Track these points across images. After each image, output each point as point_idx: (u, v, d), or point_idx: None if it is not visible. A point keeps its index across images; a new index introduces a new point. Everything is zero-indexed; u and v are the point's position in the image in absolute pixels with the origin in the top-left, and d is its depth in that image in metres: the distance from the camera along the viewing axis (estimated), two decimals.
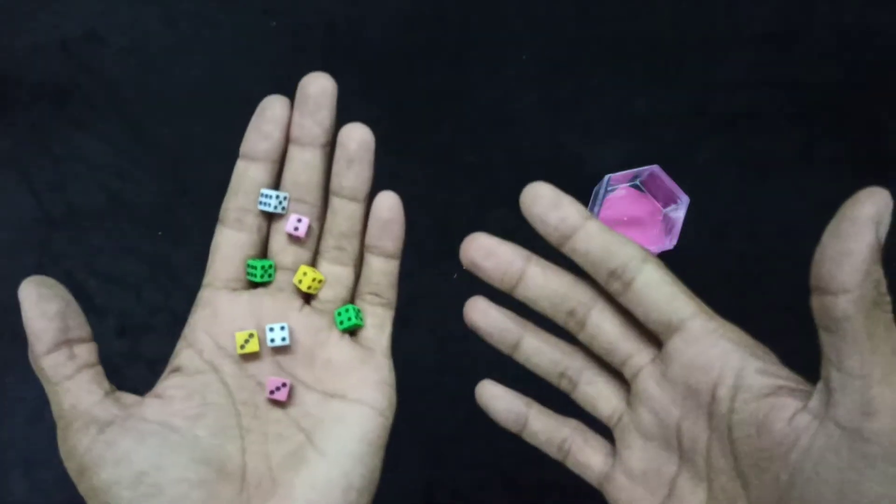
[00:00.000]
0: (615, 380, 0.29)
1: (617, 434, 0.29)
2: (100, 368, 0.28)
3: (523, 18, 0.63)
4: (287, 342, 0.29)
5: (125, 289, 0.56)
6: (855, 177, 0.60)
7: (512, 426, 0.30)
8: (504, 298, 0.29)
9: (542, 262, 0.28)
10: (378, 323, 0.31)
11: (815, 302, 0.23)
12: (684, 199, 0.54)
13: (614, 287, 0.27)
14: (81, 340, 0.27)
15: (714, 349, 0.25)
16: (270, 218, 0.30)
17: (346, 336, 0.30)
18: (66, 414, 0.27)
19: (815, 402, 0.23)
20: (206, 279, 0.30)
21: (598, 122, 0.61)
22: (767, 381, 0.24)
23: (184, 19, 0.62)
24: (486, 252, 0.28)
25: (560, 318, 0.28)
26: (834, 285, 0.22)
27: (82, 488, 0.26)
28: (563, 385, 0.30)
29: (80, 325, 0.27)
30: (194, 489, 0.26)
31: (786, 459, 0.23)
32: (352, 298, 0.31)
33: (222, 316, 0.29)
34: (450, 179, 0.59)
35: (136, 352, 0.55)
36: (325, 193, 0.30)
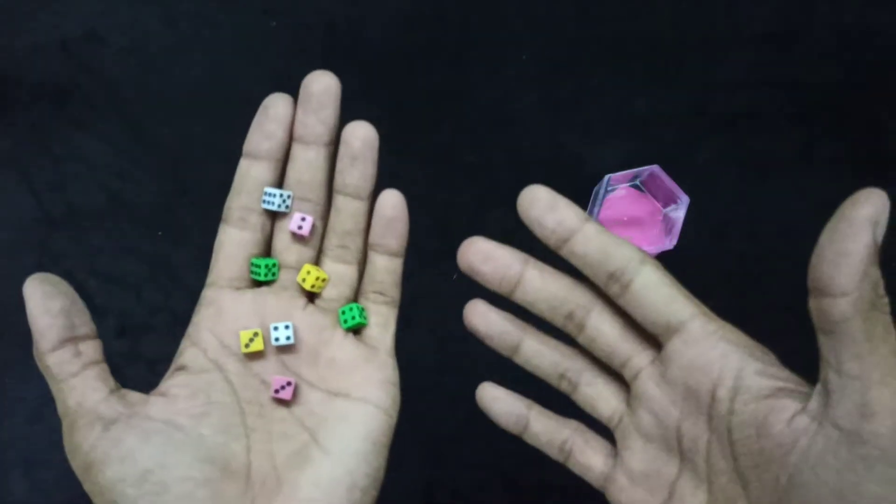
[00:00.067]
0: (615, 381, 0.29)
1: (617, 435, 0.29)
2: (105, 366, 0.28)
3: (523, 18, 0.63)
4: (291, 341, 0.29)
5: (125, 289, 0.56)
6: (855, 177, 0.60)
7: (513, 428, 0.30)
8: (503, 301, 0.29)
9: (540, 265, 0.28)
10: (382, 321, 0.31)
11: (813, 304, 0.23)
12: (684, 199, 0.54)
13: (613, 289, 0.26)
14: (86, 338, 0.27)
15: (713, 351, 0.25)
16: (274, 217, 0.30)
17: (350, 335, 0.30)
18: (71, 411, 0.26)
19: (813, 403, 0.23)
20: (210, 278, 0.30)
21: (598, 122, 0.61)
22: (767, 382, 0.24)
23: (184, 19, 0.62)
24: (483, 256, 0.28)
25: (559, 321, 0.28)
26: (831, 287, 0.22)
27: (87, 486, 0.26)
28: (564, 387, 0.30)
29: (85, 322, 0.27)
30: (199, 488, 0.26)
31: (785, 461, 0.23)
32: (355, 297, 0.31)
33: (226, 315, 0.29)
34: (450, 179, 0.59)
35: (136, 352, 0.55)
36: (329, 192, 0.30)
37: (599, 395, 0.29)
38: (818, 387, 0.23)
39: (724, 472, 0.25)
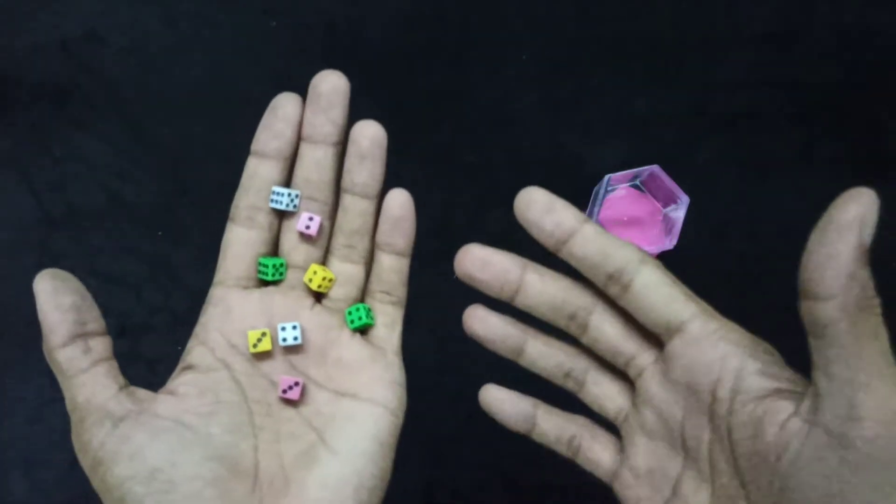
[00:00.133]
0: (620, 379, 0.29)
1: (623, 432, 0.29)
2: (114, 362, 0.27)
3: (523, 18, 0.63)
4: (299, 341, 0.29)
5: (125, 289, 0.56)
6: (855, 177, 0.60)
7: (521, 428, 0.30)
8: (501, 303, 0.29)
9: (539, 268, 0.28)
10: (389, 321, 0.31)
11: (803, 307, 0.22)
12: (684, 199, 0.54)
13: (613, 290, 0.26)
14: (96, 334, 0.27)
15: (714, 351, 0.25)
16: (281, 216, 0.30)
17: (357, 335, 0.30)
18: (79, 408, 0.26)
19: (805, 406, 0.23)
20: (217, 277, 0.30)
21: (598, 122, 0.61)
22: (765, 383, 0.24)
23: (184, 19, 0.62)
24: (481, 263, 0.28)
25: (562, 323, 0.28)
26: (819, 290, 0.22)
27: (95, 483, 0.26)
28: (570, 385, 0.30)
29: (95, 318, 0.27)
30: (208, 487, 0.26)
31: (777, 464, 0.23)
32: (362, 297, 0.31)
33: (234, 314, 0.29)
34: (450, 179, 0.59)
35: (137, 352, 0.55)
36: (336, 191, 0.30)
37: (605, 393, 0.29)
38: (810, 389, 0.23)
39: (725, 473, 0.25)
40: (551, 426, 0.30)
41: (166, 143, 0.59)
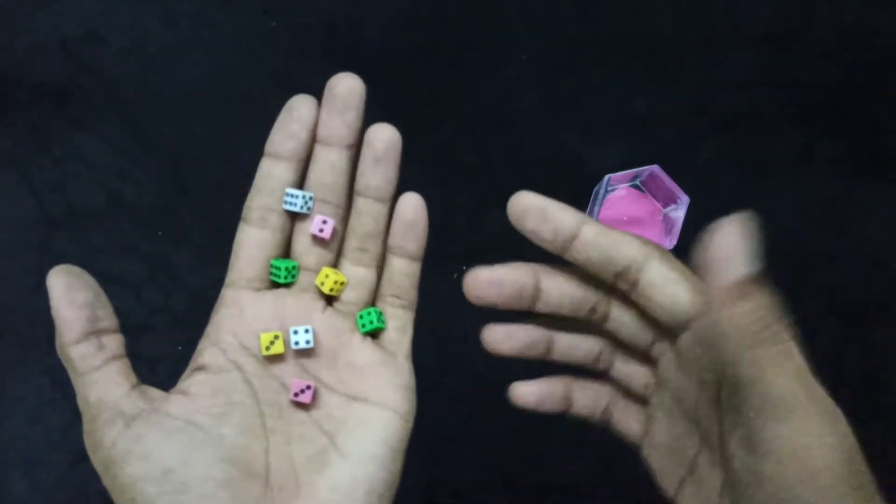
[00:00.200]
0: (646, 359, 0.29)
1: (648, 408, 0.29)
2: (127, 361, 0.27)
3: (523, 18, 0.63)
4: (311, 345, 0.29)
5: (125, 289, 0.56)
6: (855, 177, 0.60)
7: (559, 408, 0.30)
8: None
9: (551, 270, 0.28)
10: (400, 325, 0.31)
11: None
12: (684, 199, 0.54)
13: (623, 286, 0.27)
14: (110, 331, 0.27)
15: (720, 347, 0.25)
16: (294, 218, 0.30)
17: (368, 338, 0.30)
18: (91, 406, 0.26)
19: None
20: (229, 278, 0.30)
21: (598, 122, 0.61)
22: None
23: (184, 19, 0.62)
24: (494, 286, 0.28)
25: (583, 315, 0.28)
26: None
27: (107, 482, 0.26)
28: (600, 367, 0.30)
29: (108, 315, 0.27)
30: (220, 488, 0.26)
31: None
32: (373, 300, 0.31)
33: (247, 316, 0.29)
34: (450, 179, 0.59)
35: (137, 352, 0.55)
36: (349, 195, 0.30)
37: (633, 371, 0.30)
38: None
39: (734, 460, 0.25)
40: (587, 401, 0.30)
41: (166, 143, 0.59)
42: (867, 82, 0.62)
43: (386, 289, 0.31)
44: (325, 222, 0.29)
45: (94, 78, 0.60)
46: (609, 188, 0.57)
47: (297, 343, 0.29)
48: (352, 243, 0.30)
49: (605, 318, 0.28)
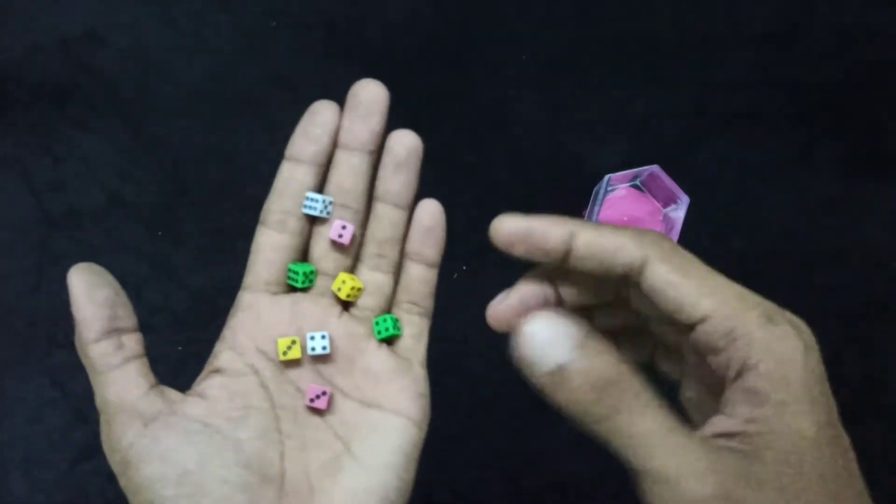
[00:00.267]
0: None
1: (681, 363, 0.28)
2: (146, 360, 0.27)
3: (523, 18, 0.63)
4: (328, 351, 0.29)
5: (125, 289, 0.56)
6: (855, 177, 0.60)
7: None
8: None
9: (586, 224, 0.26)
10: (416, 332, 0.31)
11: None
12: (684, 199, 0.54)
13: (632, 286, 0.25)
14: (129, 330, 0.27)
15: (729, 349, 0.24)
16: (312, 222, 0.30)
17: (384, 345, 0.30)
18: (110, 405, 0.26)
19: None
20: (247, 281, 0.30)
21: (598, 122, 0.61)
22: None
23: (184, 19, 0.62)
24: (521, 232, 0.25)
25: (609, 294, 0.27)
26: None
27: (124, 483, 0.26)
28: (639, 323, 0.28)
29: (128, 314, 0.27)
30: (237, 492, 0.25)
31: None
32: (389, 306, 0.31)
33: (264, 320, 0.29)
34: (450, 179, 0.59)
35: None
36: (368, 200, 0.30)
37: (666, 331, 0.27)
38: None
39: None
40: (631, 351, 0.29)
41: (166, 143, 0.59)
42: (867, 82, 0.62)
43: (402, 295, 0.31)
44: (344, 227, 0.29)
45: (94, 78, 0.60)
46: (609, 188, 0.57)
47: (313, 349, 0.29)
48: (370, 249, 0.30)
49: (627, 301, 0.27)
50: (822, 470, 0.22)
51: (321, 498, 0.27)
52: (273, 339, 0.29)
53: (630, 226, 0.58)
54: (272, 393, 0.28)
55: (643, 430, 0.22)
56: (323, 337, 0.29)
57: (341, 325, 0.30)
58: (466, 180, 0.59)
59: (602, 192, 0.55)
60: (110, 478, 0.56)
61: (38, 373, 0.54)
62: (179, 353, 0.54)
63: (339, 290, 0.30)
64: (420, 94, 0.61)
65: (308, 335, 0.29)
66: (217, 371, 0.28)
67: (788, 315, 0.23)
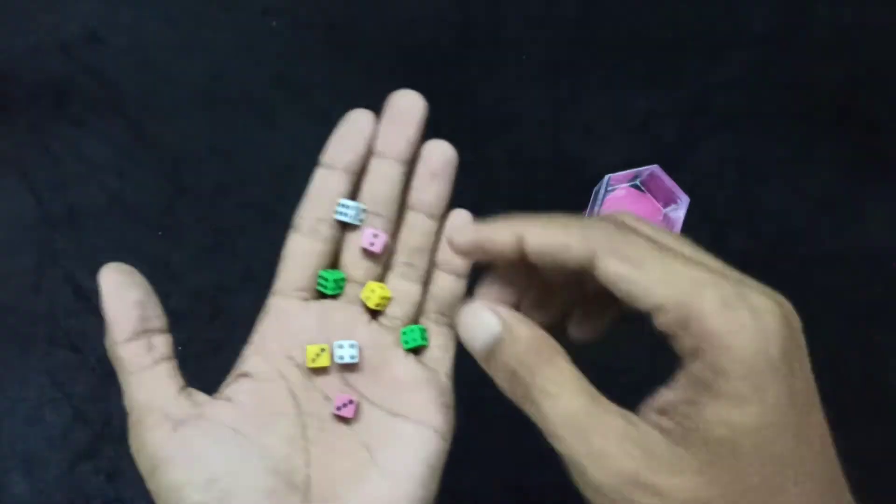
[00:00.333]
0: None
1: None
2: (175, 362, 0.27)
3: (523, 18, 0.63)
4: (356, 360, 0.29)
5: None
6: (855, 177, 0.60)
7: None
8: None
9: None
10: (443, 343, 0.31)
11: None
12: (684, 199, 0.54)
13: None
14: (159, 331, 0.27)
15: (682, 336, 0.23)
16: (343, 229, 0.30)
17: (411, 354, 0.30)
18: (139, 407, 0.26)
19: None
20: (276, 286, 0.30)
21: (598, 122, 0.61)
22: None
23: (184, 19, 0.62)
24: (474, 232, 0.26)
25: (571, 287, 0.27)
26: None
27: (151, 485, 0.26)
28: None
29: (158, 315, 0.27)
30: (264, 499, 0.25)
31: None
32: (417, 316, 0.31)
33: (293, 326, 0.29)
34: None
35: None
36: (400, 209, 0.30)
37: None
38: None
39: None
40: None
41: (166, 143, 0.59)
42: (867, 82, 0.62)
43: (431, 305, 0.31)
44: (376, 236, 0.29)
45: (94, 78, 0.60)
46: (609, 188, 0.57)
47: (341, 357, 0.29)
48: (400, 257, 0.30)
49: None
50: (765, 458, 0.21)
51: None
52: (301, 346, 0.29)
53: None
54: (300, 400, 0.28)
55: (559, 411, 0.23)
56: (352, 346, 0.29)
57: (369, 333, 0.30)
58: (466, 180, 0.59)
59: (602, 192, 0.55)
60: (110, 478, 0.56)
61: (38, 373, 0.54)
62: (179, 354, 0.54)
63: (368, 298, 0.29)
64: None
65: (336, 343, 0.29)
66: (245, 375, 0.28)
67: (755, 295, 0.22)
